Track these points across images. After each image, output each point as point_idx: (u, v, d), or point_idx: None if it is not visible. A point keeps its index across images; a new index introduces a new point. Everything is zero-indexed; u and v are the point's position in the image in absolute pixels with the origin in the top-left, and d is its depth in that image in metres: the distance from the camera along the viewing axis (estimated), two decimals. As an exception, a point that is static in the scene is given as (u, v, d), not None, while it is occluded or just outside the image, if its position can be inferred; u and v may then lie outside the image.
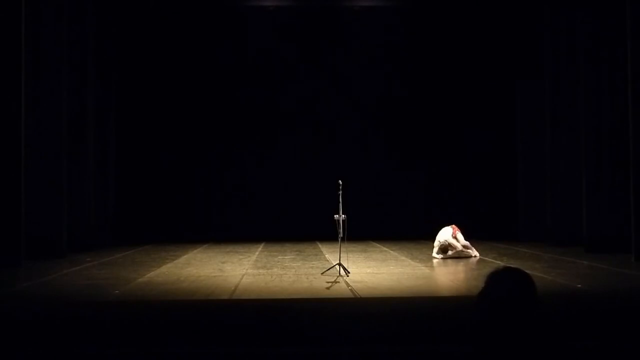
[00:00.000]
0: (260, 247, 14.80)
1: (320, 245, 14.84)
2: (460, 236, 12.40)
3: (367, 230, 16.06)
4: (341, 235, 9.96)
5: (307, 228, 16.34)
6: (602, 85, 13.00)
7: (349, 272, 9.62)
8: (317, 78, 18.45)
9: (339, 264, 9.73)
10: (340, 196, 10.01)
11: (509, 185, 17.76)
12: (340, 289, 8.50)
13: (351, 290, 8.34)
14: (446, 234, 12.30)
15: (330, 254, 12.71)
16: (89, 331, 5.95)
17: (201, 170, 18.19)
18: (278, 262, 11.82)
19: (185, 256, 12.98)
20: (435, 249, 12.30)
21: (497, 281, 2.52)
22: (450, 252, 12.19)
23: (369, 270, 10.50)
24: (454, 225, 12.53)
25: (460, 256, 12.13)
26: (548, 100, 15.24)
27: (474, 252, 12.42)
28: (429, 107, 18.41)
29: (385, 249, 14.15)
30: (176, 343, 5.42)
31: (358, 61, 18.47)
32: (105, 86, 16.17)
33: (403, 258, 12.35)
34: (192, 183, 18.17)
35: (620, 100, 12.32)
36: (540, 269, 10.31)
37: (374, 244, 15.15)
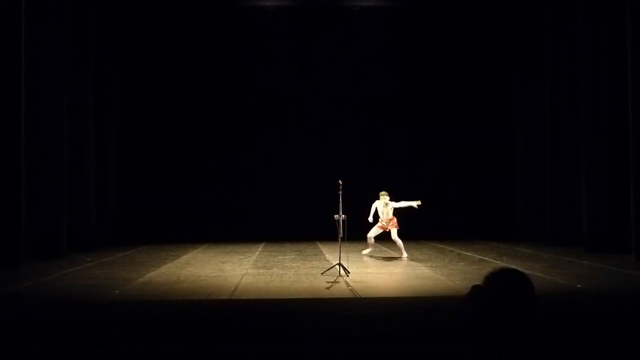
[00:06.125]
0: (260, 247, 14.80)
1: (320, 245, 14.84)
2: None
3: (367, 230, 16.04)
4: (341, 235, 9.97)
5: (307, 228, 16.34)
6: (602, 86, 13.00)
7: (349, 272, 9.62)
8: (317, 78, 18.46)
9: (339, 264, 9.73)
10: (341, 196, 10.02)
11: (509, 186, 17.77)
12: (340, 289, 8.50)
13: (351, 290, 8.34)
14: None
15: (330, 254, 12.71)
16: (89, 331, 5.95)
17: (201, 170, 18.19)
18: (278, 262, 11.82)
19: (185, 256, 12.98)
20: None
21: (495, 282, 2.52)
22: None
23: (369, 270, 10.50)
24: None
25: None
26: (548, 100, 15.24)
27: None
28: (430, 107, 18.41)
29: (385, 249, 14.13)
30: (176, 343, 5.42)
31: (358, 61, 18.49)
32: (105, 85, 16.17)
33: (403, 258, 12.34)
34: (192, 183, 18.17)
35: (620, 101, 12.32)
36: (540, 269, 10.31)
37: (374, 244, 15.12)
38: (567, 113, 14.57)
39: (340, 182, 10.01)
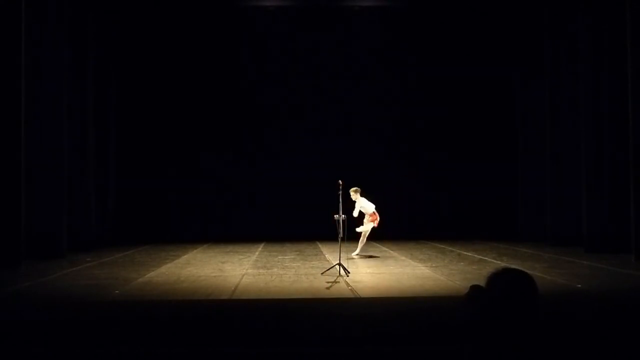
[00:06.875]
0: (260, 247, 14.80)
1: (320, 245, 14.85)
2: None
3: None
4: (341, 236, 9.97)
5: (307, 228, 16.34)
6: (602, 86, 13.00)
7: (349, 272, 9.62)
8: (317, 78, 18.45)
9: (339, 264, 9.73)
10: (340, 196, 10.02)
11: (509, 186, 17.77)
12: (340, 289, 8.50)
13: (351, 290, 8.34)
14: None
15: (330, 254, 12.71)
16: (89, 331, 5.95)
17: (201, 170, 18.18)
18: (278, 262, 11.83)
19: (185, 256, 12.98)
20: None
21: (497, 282, 2.52)
22: None
23: (369, 270, 10.50)
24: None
25: None
26: (548, 100, 15.24)
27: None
28: (429, 108, 18.40)
29: (385, 249, 14.14)
30: (176, 343, 5.42)
31: (358, 61, 18.48)
32: (105, 85, 16.18)
33: (403, 258, 12.35)
34: (192, 183, 18.17)
35: (620, 101, 12.32)
36: (540, 269, 10.31)
37: (374, 244, 15.13)
38: (567, 113, 14.56)
39: (340, 182, 10.02)
